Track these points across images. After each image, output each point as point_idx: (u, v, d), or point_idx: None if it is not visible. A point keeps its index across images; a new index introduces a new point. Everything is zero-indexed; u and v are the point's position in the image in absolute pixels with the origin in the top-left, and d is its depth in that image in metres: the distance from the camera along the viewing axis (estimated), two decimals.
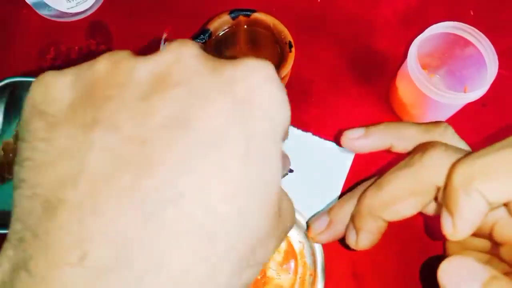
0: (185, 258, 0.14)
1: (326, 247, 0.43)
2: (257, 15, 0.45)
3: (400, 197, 0.25)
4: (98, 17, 0.51)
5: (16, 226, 0.15)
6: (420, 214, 0.27)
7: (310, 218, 0.33)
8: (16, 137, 0.45)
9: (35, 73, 0.47)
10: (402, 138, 0.28)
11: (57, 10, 0.48)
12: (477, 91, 0.39)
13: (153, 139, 0.14)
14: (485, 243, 0.27)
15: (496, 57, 0.40)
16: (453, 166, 0.22)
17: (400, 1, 0.53)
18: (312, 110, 0.47)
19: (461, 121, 0.47)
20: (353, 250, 0.29)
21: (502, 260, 0.25)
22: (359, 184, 0.30)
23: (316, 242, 0.34)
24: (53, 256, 0.14)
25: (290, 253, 0.40)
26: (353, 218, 0.29)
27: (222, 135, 0.15)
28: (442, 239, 0.28)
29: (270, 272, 0.40)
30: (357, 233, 0.29)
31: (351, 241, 0.29)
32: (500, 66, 0.40)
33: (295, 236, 0.40)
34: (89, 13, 0.51)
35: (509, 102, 0.49)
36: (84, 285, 0.13)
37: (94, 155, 0.14)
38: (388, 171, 0.26)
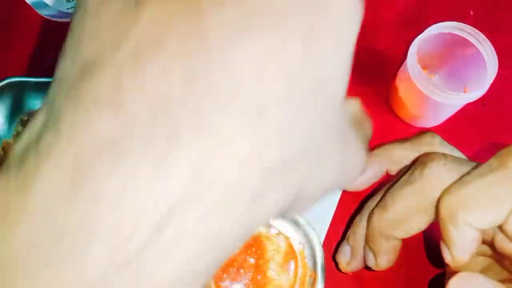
0: (229, 127, 0.12)
1: (326, 247, 0.43)
2: None
3: (408, 216, 0.25)
4: None
5: (52, 89, 0.14)
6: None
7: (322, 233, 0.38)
8: (17, 137, 0.45)
9: (35, 73, 0.47)
10: (394, 161, 0.29)
11: (57, 10, 0.48)
12: (477, 91, 0.39)
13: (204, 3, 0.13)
14: (487, 248, 0.27)
15: (496, 57, 0.40)
16: (439, 199, 0.23)
17: (400, 1, 0.53)
18: None
19: (461, 121, 0.47)
20: (375, 270, 0.30)
21: (505, 268, 0.26)
22: (365, 202, 0.31)
23: (350, 271, 0.36)
24: (84, 113, 0.13)
25: (290, 254, 0.40)
26: (367, 242, 0.30)
27: (287, 10, 0.13)
28: (444, 265, 0.29)
29: (270, 273, 0.40)
30: (374, 255, 0.29)
31: (371, 263, 0.31)
32: (500, 66, 0.40)
33: (295, 237, 0.40)
34: None
35: (509, 102, 0.49)
36: (116, 136, 0.12)
37: (141, 25, 0.13)
38: (390, 189, 0.27)
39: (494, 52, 0.40)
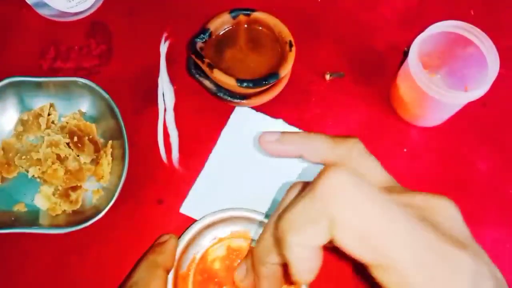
0: None
1: (326, 246, 0.43)
2: (258, 15, 0.45)
3: (298, 227, 0.22)
4: (98, 17, 0.51)
5: None
6: None
7: None
8: (17, 137, 0.44)
9: (36, 73, 0.47)
10: (310, 150, 0.28)
11: (57, 10, 0.48)
12: (477, 91, 0.39)
13: None
14: None
15: (497, 56, 0.40)
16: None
17: (400, 1, 0.53)
18: (312, 109, 0.47)
19: (462, 120, 0.47)
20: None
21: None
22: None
23: None
24: None
25: None
26: (252, 267, 0.30)
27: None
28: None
29: None
30: (256, 281, 0.30)
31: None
32: (501, 66, 0.39)
33: None
34: (89, 12, 0.51)
35: (509, 102, 0.49)
36: None
37: None
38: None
39: (496, 51, 0.40)
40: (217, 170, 0.45)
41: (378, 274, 0.21)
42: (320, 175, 0.22)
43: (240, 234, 0.41)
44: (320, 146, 0.28)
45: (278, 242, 0.23)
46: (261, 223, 0.40)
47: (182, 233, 0.40)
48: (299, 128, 0.46)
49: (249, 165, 0.45)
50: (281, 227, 0.23)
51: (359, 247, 0.21)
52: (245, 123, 0.46)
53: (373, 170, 0.26)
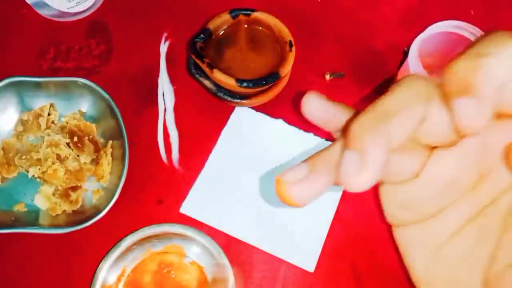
0: None
1: (326, 247, 0.43)
2: (257, 15, 0.45)
3: (396, 110, 0.18)
4: (98, 17, 0.51)
5: None
6: None
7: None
8: (17, 137, 0.44)
9: (36, 73, 0.47)
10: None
11: (57, 10, 0.48)
12: None
13: None
14: None
15: None
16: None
17: (400, 1, 0.53)
18: None
19: None
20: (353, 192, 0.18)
21: None
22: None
23: (287, 198, 0.19)
24: None
25: (203, 283, 0.41)
26: (348, 144, 0.19)
27: None
28: None
29: None
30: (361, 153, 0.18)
31: (351, 170, 0.18)
32: None
33: (208, 266, 0.41)
34: (89, 12, 0.51)
35: None
36: None
37: None
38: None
39: None
40: (217, 170, 0.45)
41: None
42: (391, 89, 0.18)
43: (174, 250, 0.41)
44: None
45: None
46: (195, 240, 0.40)
47: (114, 245, 0.40)
48: (299, 128, 0.46)
49: (249, 165, 0.45)
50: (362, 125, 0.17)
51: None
52: (245, 123, 0.46)
53: None
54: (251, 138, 0.45)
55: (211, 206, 0.43)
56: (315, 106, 0.23)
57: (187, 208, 0.43)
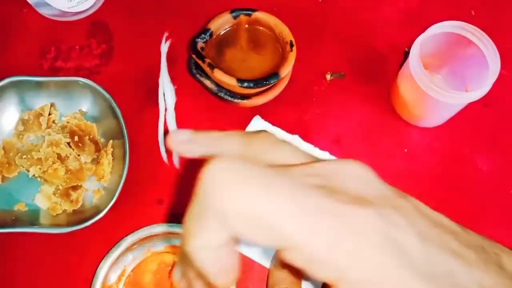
0: None
1: None
2: (258, 15, 0.45)
3: (194, 231, 0.21)
4: (98, 17, 0.51)
5: None
6: None
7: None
8: (17, 136, 0.44)
9: (36, 72, 0.47)
10: (225, 149, 0.25)
11: (58, 10, 0.48)
12: (478, 91, 0.39)
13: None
14: None
15: (498, 57, 0.40)
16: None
17: (401, 1, 0.53)
18: (313, 109, 0.47)
19: (463, 121, 0.47)
20: None
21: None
22: None
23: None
24: None
25: None
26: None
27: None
28: None
29: None
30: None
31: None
32: (502, 67, 0.39)
33: None
34: (89, 12, 0.51)
35: (510, 103, 0.49)
36: None
37: None
38: None
39: (497, 52, 0.40)
40: None
41: (289, 257, 0.19)
42: (200, 172, 0.21)
43: (174, 250, 0.41)
44: (234, 145, 0.24)
45: (185, 254, 0.21)
46: None
47: (114, 245, 0.40)
48: (315, 146, 0.46)
49: None
50: (182, 237, 0.21)
51: (258, 234, 0.19)
52: None
53: (290, 155, 0.23)
54: None
55: None
56: (180, 147, 0.26)
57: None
